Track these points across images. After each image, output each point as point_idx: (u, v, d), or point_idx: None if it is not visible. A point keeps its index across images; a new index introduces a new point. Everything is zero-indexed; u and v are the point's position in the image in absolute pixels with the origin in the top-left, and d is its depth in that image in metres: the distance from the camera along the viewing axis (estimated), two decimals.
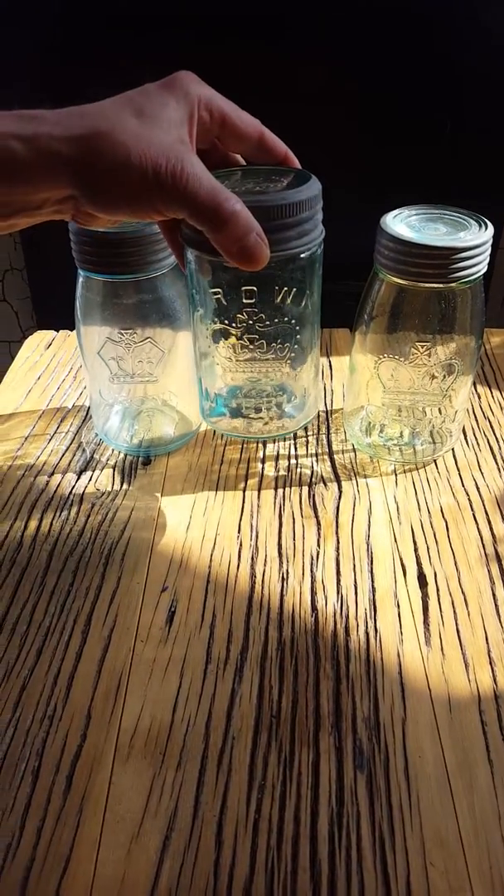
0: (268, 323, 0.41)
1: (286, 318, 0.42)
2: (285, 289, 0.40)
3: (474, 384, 0.59)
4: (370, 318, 0.46)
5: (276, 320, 0.41)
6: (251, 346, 0.43)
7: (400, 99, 0.72)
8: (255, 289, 0.40)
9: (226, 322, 0.42)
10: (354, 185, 0.76)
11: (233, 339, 0.42)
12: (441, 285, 0.42)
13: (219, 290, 0.41)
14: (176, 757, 0.33)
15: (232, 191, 0.34)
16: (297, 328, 0.43)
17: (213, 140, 0.36)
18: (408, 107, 0.73)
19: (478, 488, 0.48)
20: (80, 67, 0.70)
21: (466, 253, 0.40)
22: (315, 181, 0.38)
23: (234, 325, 0.41)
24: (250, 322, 0.41)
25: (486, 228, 0.42)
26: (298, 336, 0.43)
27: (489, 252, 0.42)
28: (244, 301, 0.40)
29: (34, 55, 0.70)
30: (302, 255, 0.39)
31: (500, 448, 0.52)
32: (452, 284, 0.42)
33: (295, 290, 0.41)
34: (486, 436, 0.53)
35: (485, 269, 0.42)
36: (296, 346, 0.43)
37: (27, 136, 0.29)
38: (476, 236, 0.41)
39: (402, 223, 0.43)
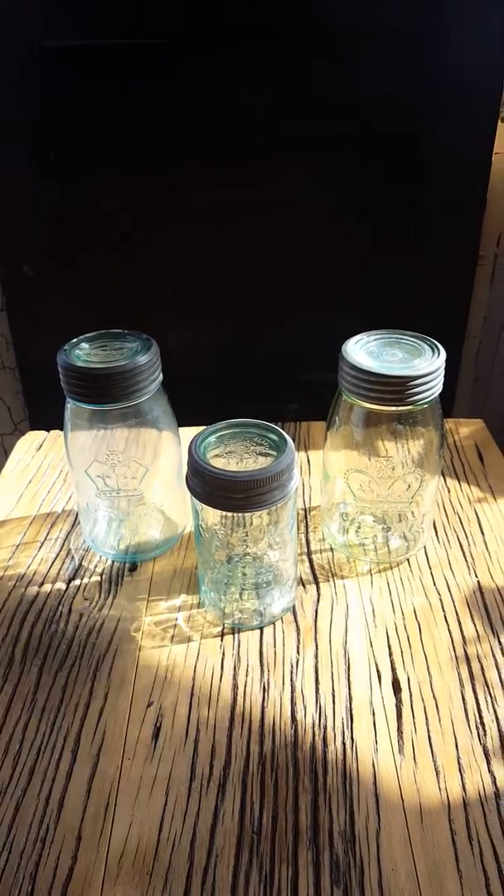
0: (268, 549, 0.46)
1: (277, 543, 0.46)
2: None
3: (444, 477, 0.63)
4: (337, 429, 0.50)
5: (277, 543, 0.46)
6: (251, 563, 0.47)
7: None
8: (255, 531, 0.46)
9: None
10: (327, 284, 0.82)
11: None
12: (400, 408, 0.45)
13: (222, 527, 0.46)
14: (162, 877, 0.35)
15: (225, 452, 0.44)
16: (285, 541, 0.47)
17: None
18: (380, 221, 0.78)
19: (448, 588, 0.51)
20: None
21: (421, 379, 0.44)
22: (291, 447, 0.43)
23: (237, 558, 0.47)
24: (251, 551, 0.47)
25: (439, 355, 0.46)
26: (287, 547, 0.47)
27: (442, 375, 0.46)
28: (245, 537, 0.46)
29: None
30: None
31: (469, 545, 0.55)
32: (410, 407, 0.45)
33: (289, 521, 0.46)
34: (455, 532, 0.56)
35: (440, 390, 0.46)
36: (279, 552, 0.47)
37: None
38: (430, 363, 0.45)
39: (362, 350, 0.47)
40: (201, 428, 0.45)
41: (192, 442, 0.43)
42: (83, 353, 0.48)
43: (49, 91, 0.70)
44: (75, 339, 0.49)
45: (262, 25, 0.68)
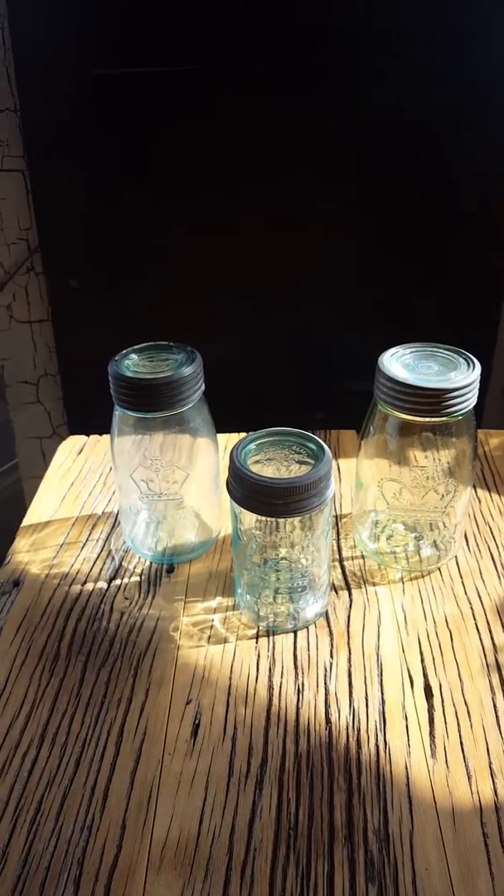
0: (302, 555, 0.48)
1: (312, 549, 0.47)
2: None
3: (474, 488, 0.63)
4: (371, 438, 0.51)
5: (312, 549, 0.48)
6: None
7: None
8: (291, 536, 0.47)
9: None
10: (356, 296, 0.83)
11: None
12: (435, 419, 0.47)
13: (259, 531, 0.47)
14: (203, 868, 0.36)
15: (265, 459, 0.45)
16: (319, 548, 0.48)
17: None
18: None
19: (479, 597, 0.52)
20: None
21: (457, 392, 0.45)
22: (328, 455, 0.44)
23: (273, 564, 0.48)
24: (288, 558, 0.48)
25: (474, 368, 0.47)
26: (321, 552, 0.48)
27: (478, 388, 0.47)
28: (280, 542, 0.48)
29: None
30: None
31: (500, 555, 0.56)
32: (445, 418, 0.46)
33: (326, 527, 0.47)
34: (486, 542, 0.57)
35: (475, 402, 0.47)
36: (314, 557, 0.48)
37: None
38: (465, 376, 0.46)
39: (398, 362, 0.48)
40: (232, 435, 0.47)
41: (233, 449, 0.45)
42: (132, 363, 0.50)
43: (100, 114, 0.73)
44: (125, 350, 0.51)
45: (283, 30, 0.70)
